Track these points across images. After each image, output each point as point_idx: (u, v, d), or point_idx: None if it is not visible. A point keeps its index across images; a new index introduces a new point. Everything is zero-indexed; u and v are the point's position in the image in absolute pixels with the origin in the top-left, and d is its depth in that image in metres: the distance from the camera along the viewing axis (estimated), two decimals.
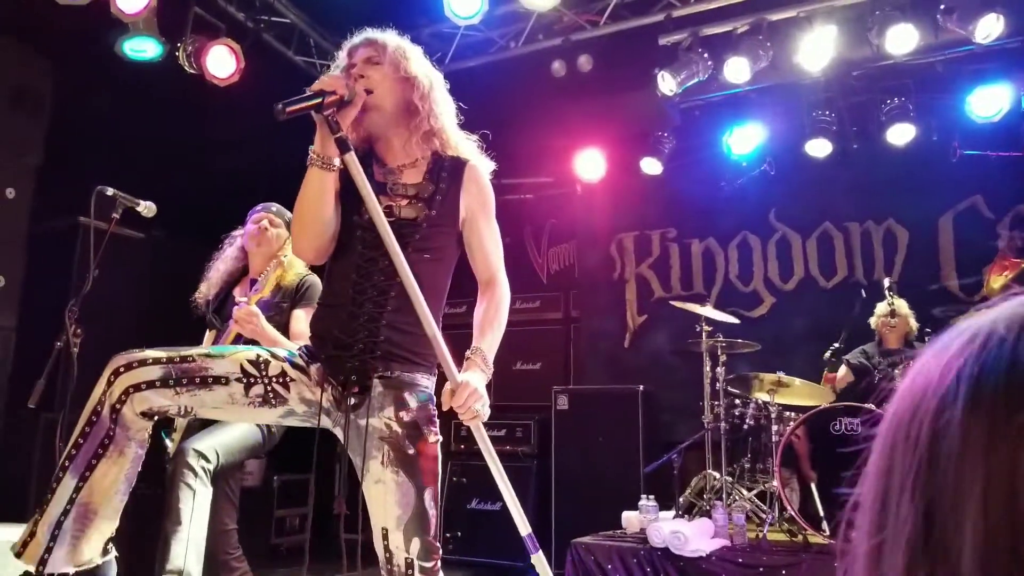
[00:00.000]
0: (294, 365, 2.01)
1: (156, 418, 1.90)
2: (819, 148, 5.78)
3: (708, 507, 4.53)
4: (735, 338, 4.93)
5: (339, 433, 2.02)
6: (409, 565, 1.88)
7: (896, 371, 4.36)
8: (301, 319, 3.04)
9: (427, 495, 1.92)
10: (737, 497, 4.52)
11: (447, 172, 2.11)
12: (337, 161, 1.93)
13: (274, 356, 2.00)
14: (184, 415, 1.93)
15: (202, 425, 2.90)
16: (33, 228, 4.93)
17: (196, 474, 2.68)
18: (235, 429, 2.92)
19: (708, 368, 4.99)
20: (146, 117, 5.38)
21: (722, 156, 6.12)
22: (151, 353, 1.90)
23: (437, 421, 2.02)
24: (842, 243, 6.05)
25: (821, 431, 4.25)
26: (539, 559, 2.03)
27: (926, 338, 4.40)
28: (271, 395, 1.95)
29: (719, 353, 4.90)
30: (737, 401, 4.91)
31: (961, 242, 5.62)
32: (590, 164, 6.35)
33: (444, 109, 2.14)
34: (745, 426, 4.75)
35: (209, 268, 3.15)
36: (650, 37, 5.06)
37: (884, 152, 5.69)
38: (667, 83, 4.90)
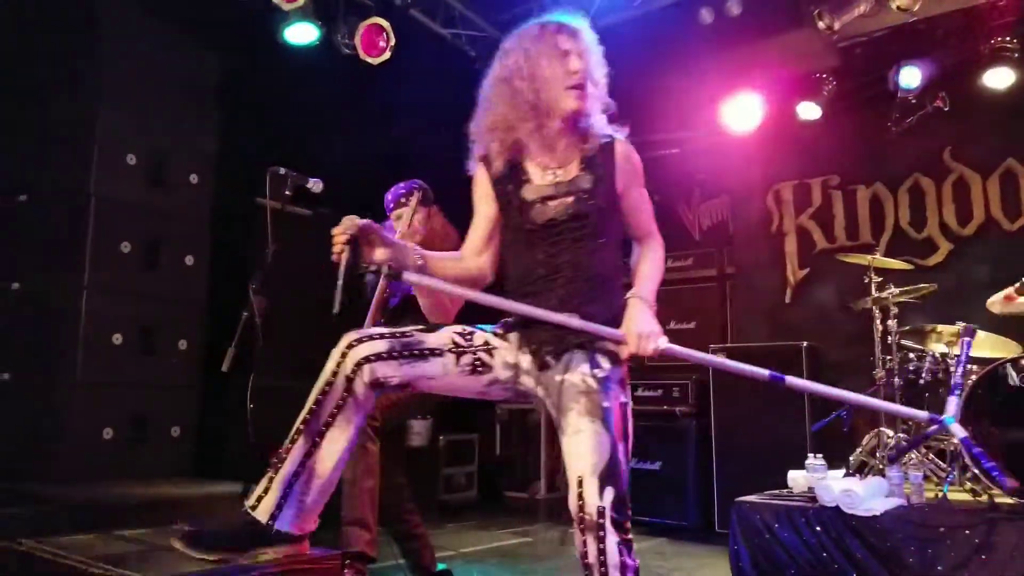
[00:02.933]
0: (495, 335, 2.17)
1: (381, 390, 2.06)
2: (999, 78, 5.28)
3: (881, 466, 4.33)
4: (908, 287, 4.63)
5: (540, 392, 2.13)
6: (601, 514, 1.89)
7: None
8: None
9: (620, 449, 1.98)
10: (913, 455, 4.28)
11: (599, 158, 2.17)
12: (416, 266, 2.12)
13: (477, 328, 2.17)
14: (403, 387, 2.10)
15: None
16: (215, 210, 5.37)
17: (364, 432, 2.84)
18: None
19: (878, 321, 4.73)
20: (308, 99, 5.69)
21: (888, 95, 5.69)
22: (377, 329, 2.10)
23: (628, 385, 2.12)
24: None
25: (1006, 384, 3.93)
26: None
27: None
28: (478, 364, 2.10)
29: (890, 305, 4.63)
30: (912, 355, 4.63)
31: None
32: (743, 112, 6.09)
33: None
34: (921, 381, 4.47)
35: None
36: None
37: None
38: (825, 20, 4.62)
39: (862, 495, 3.78)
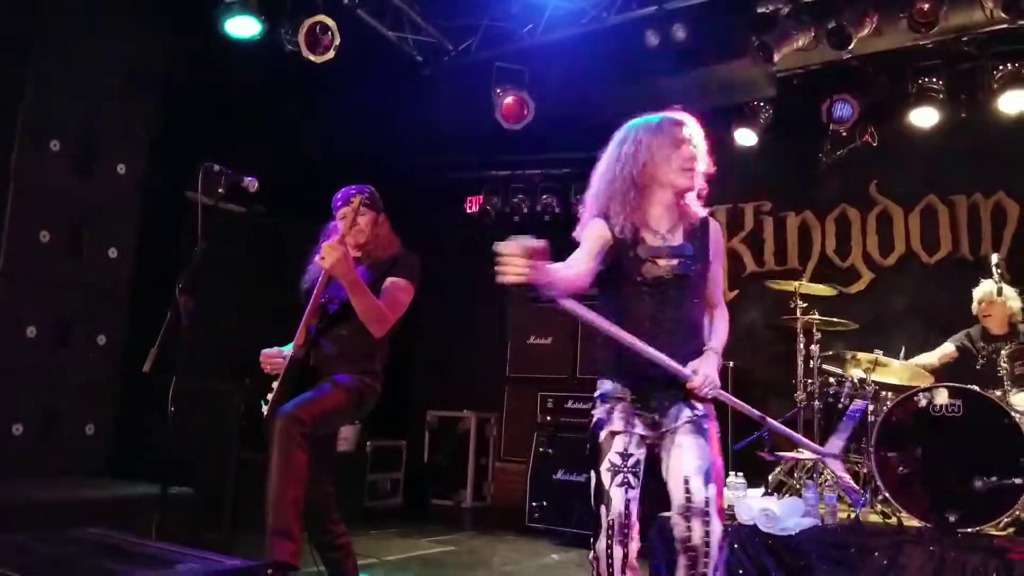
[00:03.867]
0: (618, 433, 2.44)
1: None
2: (925, 117, 5.53)
3: (799, 486, 4.46)
4: (831, 315, 4.79)
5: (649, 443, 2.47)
6: (707, 502, 2.33)
7: (1002, 356, 4.15)
8: (399, 286, 3.08)
9: (718, 463, 2.41)
10: (829, 477, 4.42)
11: (699, 231, 2.54)
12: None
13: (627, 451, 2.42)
14: None
15: (296, 391, 2.97)
16: (144, 202, 5.19)
17: (293, 437, 2.78)
18: (330, 396, 2.98)
19: (802, 345, 4.88)
20: (250, 94, 5.58)
21: (821, 127, 5.89)
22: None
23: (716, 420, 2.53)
24: (947, 217, 5.79)
25: (920, 412, 4.10)
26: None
27: None
28: (628, 479, 2.40)
29: (814, 330, 4.78)
30: (832, 379, 4.79)
31: None
32: None
33: None
34: (840, 405, 4.63)
35: (310, 260, 3.21)
36: (747, 4, 4.90)
37: (995, 121, 5.39)
38: (765, 52, 4.75)
39: (779, 514, 3.88)
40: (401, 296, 3.10)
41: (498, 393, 7.45)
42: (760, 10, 4.83)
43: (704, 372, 2.41)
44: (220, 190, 3.07)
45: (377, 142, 6.18)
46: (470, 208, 7.42)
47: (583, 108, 5.83)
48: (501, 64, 5.86)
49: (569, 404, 6.13)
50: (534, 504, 6.08)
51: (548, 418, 6.18)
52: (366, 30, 5.51)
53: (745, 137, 6.12)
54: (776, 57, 4.80)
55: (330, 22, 5.00)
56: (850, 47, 4.71)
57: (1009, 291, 4.61)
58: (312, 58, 4.99)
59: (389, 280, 3.11)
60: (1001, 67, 5.23)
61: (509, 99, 5.83)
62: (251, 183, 3.21)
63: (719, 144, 5.99)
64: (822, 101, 5.76)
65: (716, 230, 2.62)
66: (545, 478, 6.07)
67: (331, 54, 5.03)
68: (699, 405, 2.46)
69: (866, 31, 4.65)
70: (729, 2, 4.95)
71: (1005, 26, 4.72)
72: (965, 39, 5.16)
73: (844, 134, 5.87)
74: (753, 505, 3.97)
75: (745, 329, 6.20)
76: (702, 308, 2.60)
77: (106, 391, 4.93)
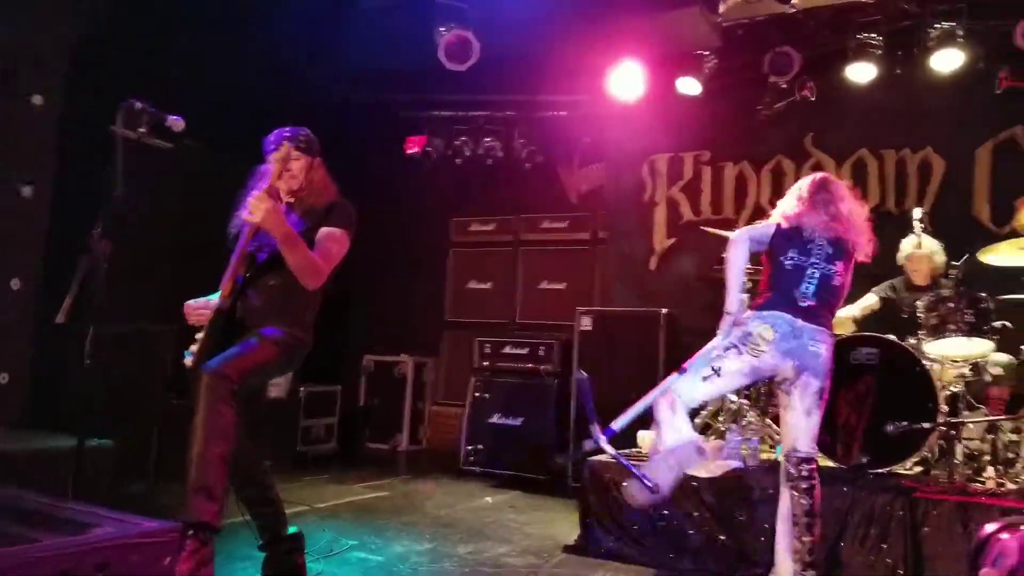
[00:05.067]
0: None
1: None
2: (862, 72, 5.59)
3: (723, 429, 4.60)
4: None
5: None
6: (809, 459, 3.23)
7: (919, 307, 4.30)
8: (335, 237, 2.98)
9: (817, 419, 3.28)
10: (752, 420, 4.57)
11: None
12: None
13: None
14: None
15: (221, 344, 2.87)
16: (63, 138, 4.94)
17: (219, 393, 2.68)
18: (257, 351, 2.88)
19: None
20: (182, 24, 5.31)
21: (763, 79, 5.91)
22: None
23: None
24: (876, 170, 5.91)
25: (839, 360, 4.24)
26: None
27: (951, 274, 4.34)
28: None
29: (745, 279, 4.85)
30: None
31: (997, 174, 5.50)
32: (627, 81, 6.15)
33: None
34: None
35: (238, 203, 3.07)
36: None
37: (928, 79, 5.48)
38: (710, 1, 4.72)
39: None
40: (336, 247, 2.99)
41: (436, 337, 7.46)
42: None
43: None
44: (141, 128, 2.93)
45: (313, 76, 5.99)
46: (410, 148, 7.29)
47: (529, 51, 5.74)
48: (444, 0, 5.70)
49: (507, 349, 6.17)
50: (469, 448, 6.16)
51: (485, 363, 6.22)
52: None
53: (689, 86, 6.10)
54: (721, 8, 4.78)
55: None
56: (795, 1, 4.70)
57: (930, 243, 4.80)
58: None
59: (324, 230, 2.99)
60: (937, 26, 5.31)
61: (452, 38, 5.69)
62: (175, 122, 3.07)
63: (664, 93, 6.08)
64: (765, 53, 5.77)
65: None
66: (481, 422, 6.15)
67: None
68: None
69: None
70: None
71: None
72: None
73: (784, 87, 5.90)
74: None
75: (679, 277, 6.30)
76: None
77: (20, 338, 4.74)
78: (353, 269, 3.39)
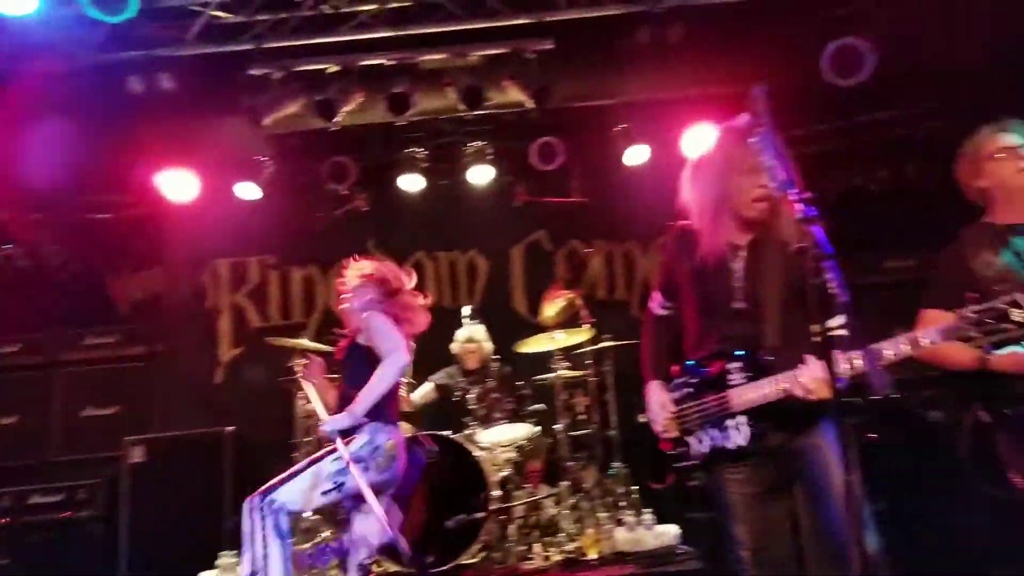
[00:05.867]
0: None
1: None
2: (412, 183, 6.08)
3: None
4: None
5: None
6: None
7: (470, 400, 4.72)
8: None
9: None
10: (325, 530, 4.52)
11: None
12: None
13: None
14: None
15: None
16: None
17: None
18: None
19: (304, 402, 4.90)
20: None
21: (322, 184, 6.05)
22: None
23: None
24: (432, 271, 6.43)
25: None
26: None
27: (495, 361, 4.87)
28: None
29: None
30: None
31: (528, 271, 6.40)
32: (180, 185, 5.83)
33: None
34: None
35: None
36: (239, 64, 4.82)
37: (468, 189, 6.18)
38: (255, 114, 4.74)
39: None
40: None
41: None
42: (251, 72, 4.79)
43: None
44: None
45: None
46: None
47: (68, 150, 5.15)
48: None
49: (34, 499, 5.04)
50: None
51: (4, 520, 4.97)
52: None
53: (247, 191, 5.99)
54: (266, 120, 4.82)
55: None
56: (336, 119, 4.94)
57: (479, 334, 5.42)
58: None
59: None
60: (471, 144, 6.01)
61: None
62: None
63: (223, 196, 5.88)
64: (322, 161, 5.93)
65: None
66: None
67: None
68: None
69: (352, 106, 4.92)
70: (220, 59, 4.80)
71: (469, 112, 5.38)
72: (443, 118, 5.80)
73: (345, 193, 6.11)
74: None
75: (249, 390, 6.09)
76: None
77: None
78: None
